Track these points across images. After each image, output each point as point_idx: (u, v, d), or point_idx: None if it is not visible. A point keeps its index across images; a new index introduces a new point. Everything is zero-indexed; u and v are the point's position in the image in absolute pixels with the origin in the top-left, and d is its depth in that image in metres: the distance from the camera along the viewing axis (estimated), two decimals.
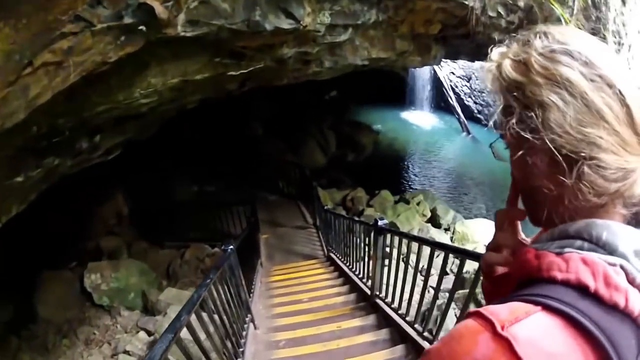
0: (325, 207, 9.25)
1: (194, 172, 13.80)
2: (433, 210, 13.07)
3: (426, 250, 4.29)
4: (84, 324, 8.36)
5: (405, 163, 18.10)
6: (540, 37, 0.85)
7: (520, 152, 0.87)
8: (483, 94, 19.26)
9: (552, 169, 0.82)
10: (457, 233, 12.12)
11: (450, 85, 20.24)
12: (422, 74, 21.12)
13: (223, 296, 4.05)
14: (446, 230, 12.50)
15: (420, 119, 21.08)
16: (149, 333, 7.78)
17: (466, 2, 6.20)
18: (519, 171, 0.92)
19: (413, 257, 6.82)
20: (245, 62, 5.00)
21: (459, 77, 20.21)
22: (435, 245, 4.35)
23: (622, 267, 0.75)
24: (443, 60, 10.69)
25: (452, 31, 7.78)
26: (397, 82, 21.09)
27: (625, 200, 0.81)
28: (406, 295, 5.02)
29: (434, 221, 12.80)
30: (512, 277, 0.88)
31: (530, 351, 0.66)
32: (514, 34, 0.91)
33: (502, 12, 6.67)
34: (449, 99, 20.04)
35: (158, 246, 10.90)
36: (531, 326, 0.69)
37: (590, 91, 0.78)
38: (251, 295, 6.40)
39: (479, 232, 11.96)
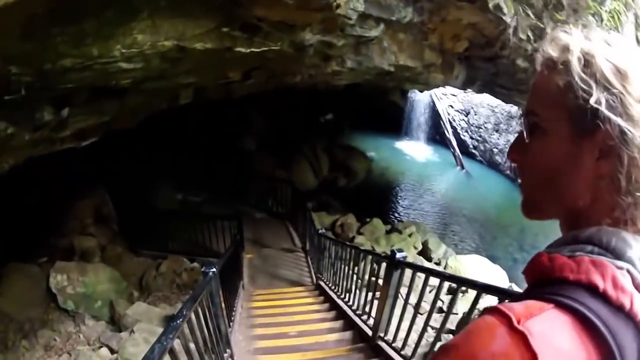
0: (320, 231, 8.28)
1: (180, 179, 12.81)
2: (425, 243, 12.31)
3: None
4: (46, 326, 7.48)
5: (397, 193, 17.25)
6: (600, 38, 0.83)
7: (565, 142, 0.83)
8: (480, 130, 18.59)
9: (596, 164, 0.81)
10: (450, 268, 11.27)
11: (448, 119, 19.49)
12: (420, 105, 20.39)
13: (198, 334, 3.06)
14: (437, 264, 11.66)
15: (415, 149, 20.31)
16: (112, 351, 6.86)
17: (504, 18, 5.59)
18: (544, 158, 0.87)
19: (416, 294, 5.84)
20: (259, 38, 4.07)
21: (457, 110, 19.50)
22: (478, 287, 3.56)
23: (628, 271, 0.75)
24: (455, 87, 9.93)
25: (478, 52, 7.15)
26: (394, 110, 20.35)
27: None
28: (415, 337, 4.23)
29: (425, 254, 12.01)
30: (525, 281, 0.85)
31: (543, 346, 0.66)
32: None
33: (531, 36, 6.21)
34: (446, 131, 19.29)
35: (133, 253, 9.91)
36: (544, 322, 0.69)
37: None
38: (231, 323, 5.39)
39: (471, 268, 11.20)
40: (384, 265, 4.90)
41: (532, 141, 0.88)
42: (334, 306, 6.81)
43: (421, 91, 14.47)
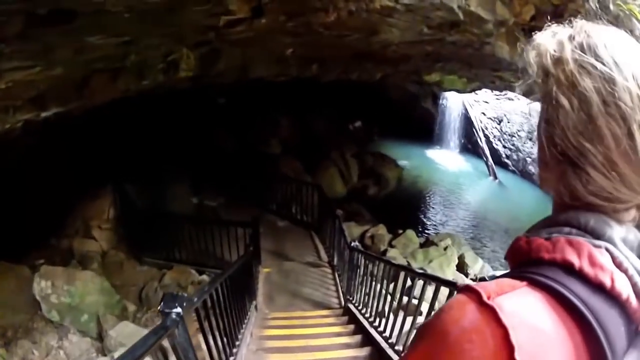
0: (353, 244, 6.49)
1: (198, 182, 11.21)
2: (460, 257, 10.58)
3: None
4: (28, 335, 6.26)
5: (429, 203, 15.37)
6: (583, 39, 0.76)
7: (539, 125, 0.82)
8: (513, 138, 16.58)
9: (550, 155, 0.78)
10: None
11: (481, 127, 17.53)
12: (452, 112, 18.46)
13: None
14: (473, 280, 9.73)
15: (446, 158, 18.34)
16: None
17: None
18: (537, 137, 0.85)
19: None
20: None
21: (489, 118, 17.51)
22: None
23: (607, 249, 0.70)
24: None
25: (543, 22, 5.42)
26: (425, 117, 18.50)
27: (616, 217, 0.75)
28: None
29: (462, 270, 10.41)
30: (509, 266, 0.82)
31: (515, 321, 0.62)
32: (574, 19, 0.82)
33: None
34: (478, 140, 17.29)
35: (137, 261, 8.40)
36: (516, 299, 0.66)
37: (599, 112, 0.71)
38: None
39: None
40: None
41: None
42: (367, 339, 5.02)
43: (460, 91, 12.59)
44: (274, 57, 6.23)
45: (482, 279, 0.77)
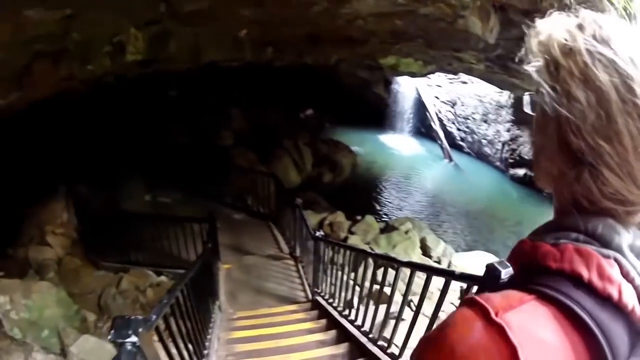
0: (318, 234, 6.13)
1: (150, 178, 10.53)
2: (422, 241, 10.35)
3: None
4: None
5: (385, 188, 15.16)
6: (595, 30, 0.71)
7: (539, 115, 0.79)
8: (468, 121, 16.65)
9: (559, 154, 0.74)
10: (455, 267, 9.50)
11: (434, 111, 17.50)
12: (405, 96, 18.35)
13: None
14: (437, 263, 9.76)
15: (400, 143, 18.20)
16: None
17: None
18: (534, 134, 0.82)
19: None
20: None
21: (443, 102, 17.52)
22: None
23: (616, 260, 0.67)
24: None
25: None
26: (377, 103, 18.30)
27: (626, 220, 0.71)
28: None
29: (425, 253, 10.13)
30: (512, 268, 0.78)
31: (523, 338, 0.60)
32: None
33: None
34: (432, 123, 17.25)
35: (93, 265, 7.74)
36: (524, 314, 0.63)
37: (617, 109, 0.67)
38: None
39: (477, 266, 9.29)
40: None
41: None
42: (343, 334, 4.71)
43: (415, 75, 12.44)
44: (228, 40, 5.77)
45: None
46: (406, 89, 18.08)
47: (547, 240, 0.71)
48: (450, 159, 16.65)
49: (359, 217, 11.28)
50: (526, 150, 14.33)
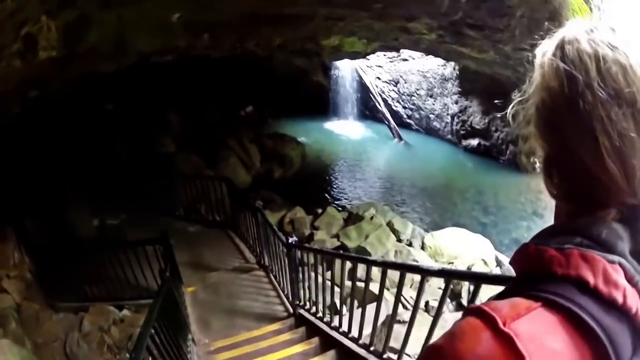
0: (291, 241, 5.25)
1: (96, 200, 9.23)
2: (389, 225, 9.74)
3: None
4: None
5: (339, 176, 14.42)
6: (608, 39, 0.72)
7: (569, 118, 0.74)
8: (413, 97, 16.15)
9: (586, 154, 0.72)
10: (429, 248, 9.07)
11: (378, 91, 16.87)
12: (346, 81, 17.61)
13: None
14: (409, 245, 9.25)
15: (347, 128, 17.49)
16: None
17: None
18: (541, 134, 0.82)
19: None
20: None
21: (385, 81, 16.91)
22: None
23: (620, 264, 0.67)
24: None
25: None
26: (318, 91, 17.46)
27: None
28: None
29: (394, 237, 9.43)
30: (514, 271, 0.79)
31: (532, 347, 0.60)
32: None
33: None
34: (377, 104, 16.62)
35: (52, 308, 6.62)
36: (532, 322, 0.63)
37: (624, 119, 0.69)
38: None
39: (453, 244, 9.05)
40: None
41: None
42: (343, 354, 3.91)
43: (357, 56, 11.78)
44: (158, 25, 4.77)
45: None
46: (346, 73, 17.35)
47: (552, 245, 0.70)
48: (400, 138, 16.09)
49: (319, 210, 10.53)
50: (477, 120, 13.95)
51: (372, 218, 9.84)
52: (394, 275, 3.85)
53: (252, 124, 16.11)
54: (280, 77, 16.45)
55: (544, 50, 0.78)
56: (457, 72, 14.12)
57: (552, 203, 0.85)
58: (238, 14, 5.55)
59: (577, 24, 0.77)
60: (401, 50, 14.48)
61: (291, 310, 5.58)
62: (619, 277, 0.66)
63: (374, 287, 4.59)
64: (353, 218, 10.01)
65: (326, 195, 12.94)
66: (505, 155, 13.26)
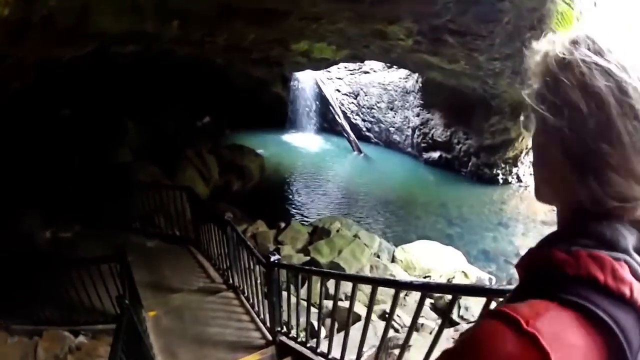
0: (275, 259, 4.44)
1: (48, 211, 8.10)
2: (356, 238, 9.00)
3: None
4: None
5: (299, 189, 13.68)
6: (589, 44, 0.75)
7: (540, 133, 0.81)
8: (373, 110, 15.67)
9: (563, 165, 0.75)
10: (400, 262, 8.59)
11: (337, 104, 16.29)
12: (305, 93, 16.93)
13: None
14: (377, 257, 8.75)
15: (305, 141, 16.79)
16: None
17: None
18: (534, 148, 0.85)
19: None
20: None
21: (345, 94, 16.38)
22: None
23: (625, 261, 0.70)
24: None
25: None
26: (276, 102, 16.72)
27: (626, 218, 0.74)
28: None
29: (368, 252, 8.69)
30: (519, 275, 0.81)
31: (555, 344, 0.62)
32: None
33: None
34: (337, 117, 16.00)
35: (5, 330, 5.47)
36: (551, 320, 0.65)
37: (616, 113, 0.70)
38: None
39: (425, 257, 8.54)
40: None
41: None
42: None
43: (318, 68, 11.22)
44: (127, 2, 3.92)
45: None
46: (306, 85, 16.68)
47: (560, 248, 0.73)
48: (360, 151, 15.52)
49: (282, 225, 9.78)
50: (439, 133, 13.59)
51: (338, 231, 9.18)
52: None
53: (209, 134, 15.24)
54: (239, 87, 15.67)
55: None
56: (420, 85, 13.73)
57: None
58: (215, 3, 4.77)
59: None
60: (365, 62, 14.05)
61: (269, 337, 4.76)
62: (625, 273, 0.68)
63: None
64: (319, 232, 9.33)
65: (287, 208, 12.20)
66: (467, 167, 12.95)
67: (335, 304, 3.78)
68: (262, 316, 5.05)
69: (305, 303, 4.14)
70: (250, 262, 5.21)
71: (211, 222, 6.66)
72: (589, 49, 0.73)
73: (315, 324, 4.46)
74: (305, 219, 11.41)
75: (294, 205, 12.52)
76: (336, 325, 3.98)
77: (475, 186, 12.49)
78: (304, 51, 8.95)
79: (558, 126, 0.73)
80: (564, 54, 0.75)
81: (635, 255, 0.71)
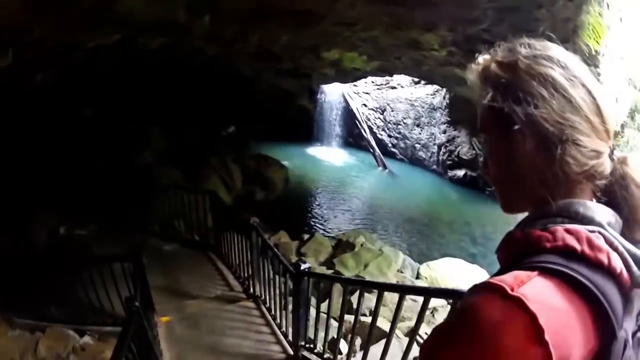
0: (303, 268, 4.06)
1: (65, 208, 7.83)
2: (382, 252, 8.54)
3: None
4: None
5: (322, 202, 13.20)
6: (524, 46, 0.84)
7: (502, 141, 0.83)
8: (399, 126, 15.24)
9: (540, 150, 0.79)
10: (425, 279, 8.16)
11: (363, 119, 15.89)
12: (331, 106, 16.55)
13: None
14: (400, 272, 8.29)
15: (330, 154, 16.36)
16: None
17: None
18: (499, 162, 0.88)
19: None
20: None
21: (371, 109, 15.98)
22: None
23: (600, 233, 0.74)
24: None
25: None
26: (303, 115, 16.36)
27: (595, 177, 0.81)
28: None
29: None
30: (499, 261, 0.84)
31: (539, 307, 0.63)
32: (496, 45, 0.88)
33: None
34: (363, 132, 15.59)
35: (7, 323, 5.15)
36: (535, 286, 0.67)
37: (569, 88, 0.79)
38: None
39: (450, 275, 8.09)
40: None
41: (488, 156, 0.90)
42: None
43: (345, 81, 10.92)
44: None
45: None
46: (332, 98, 16.33)
47: (537, 227, 0.76)
48: (385, 167, 15.03)
49: (305, 237, 9.39)
50: (464, 151, 13.07)
51: (362, 245, 8.75)
52: None
53: (233, 144, 14.91)
54: (265, 99, 15.41)
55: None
56: (447, 101, 13.27)
57: None
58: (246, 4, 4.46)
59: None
60: (393, 77, 13.69)
61: (291, 351, 4.32)
62: (601, 242, 0.71)
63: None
64: (343, 245, 8.90)
65: (310, 221, 11.73)
66: (491, 186, 12.38)
67: (375, 318, 3.39)
68: (283, 329, 4.63)
69: (332, 316, 3.70)
70: (277, 270, 4.82)
71: (234, 228, 6.30)
72: (528, 48, 0.82)
73: (342, 339, 4.01)
74: (328, 232, 10.94)
75: (316, 218, 12.06)
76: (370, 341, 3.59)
77: (498, 205, 11.95)
78: (334, 60, 8.62)
79: (528, 118, 0.77)
80: (505, 58, 0.82)
81: (610, 229, 0.74)
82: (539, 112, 0.76)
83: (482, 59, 0.86)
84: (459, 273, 7.99)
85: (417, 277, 8.23)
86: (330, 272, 7.67)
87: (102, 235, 7.46)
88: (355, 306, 4.90)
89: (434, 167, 14.31)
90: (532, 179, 0.80)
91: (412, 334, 3.17)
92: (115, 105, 11.36)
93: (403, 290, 3.63)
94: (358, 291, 4.25)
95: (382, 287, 3.65)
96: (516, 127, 0.78)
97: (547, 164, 0.78)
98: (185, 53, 7.24)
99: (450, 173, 13.63)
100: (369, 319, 5.30)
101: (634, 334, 0.72)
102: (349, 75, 10.70)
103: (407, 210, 12.36)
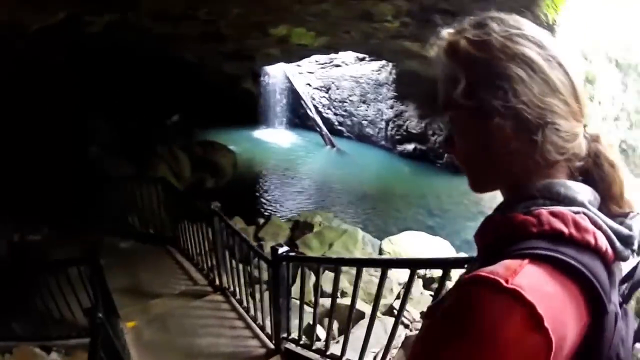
0: (283, 252, 3.72)
1: (16, 212, 6.99)
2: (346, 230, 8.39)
3: None
4: None
5: (273, 185, 12.86)
6: (496, 22, 0.77)
7: (476, 121, 0.77)
8: (345, 104, 15.00)
9: (519, 134, 0.75)
10: (388, 254, 7.92)
11: (308, 98, 15.54)
12: (275, 88, 16.04)
13: None
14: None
15: (277, 137, 15.92)
16: None
17: None
18: (471, 142, 0.81)
19: None
20: None
21: (316, 88, 15.63)
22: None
23: (584, 213, 0.72)
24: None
25: None
26: (247, 98, 15.77)
27: (573, 159, 0.78)
28: None
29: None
30: (477, 244, 0.82)
31: (536, 295, 0.62)
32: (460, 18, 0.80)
33: None
34: (308, 111, 15.24)
35: None
36: (528, 275, 0.65)
37: (547, 69, 0.75)
38: None
39: (413, 248, 7.91)
40: None
41: (455, 134, 0.84)
42: None
43: (289, 61, 10.55)
44: None
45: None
46: (276, 80, 15.83)
47: (519, 211, 0.73)
48: (333, 145, 14.81)
49: (261, 221, 9.10)
50: (413, 125, 13.03)
51: (319, 225, 8.54)
52: None
53: (179, 132, 14.18)
54: (209, 84, 14.75)
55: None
56: (394, 77, 13.16)
57: (494, 202, 0.82)
58: None
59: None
60: (338, 54, 13.42)
61: (271, 345, 4.00)
62: (586, 223, 0.69)
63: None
64: (301, 226, 8.67)
65: (263, 205, 11.42)
66: (442, 158, 12.44)
67: (354, 297, 3.13)
68: (259, 321, 4.29)
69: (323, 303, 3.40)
70: (247, 257, 4.45)
71: (191, 216, 5.85)
72: (500, 25, 0.75)
73: (335, 325, 3.74)
74: (283, 214, 10.64)
75: (270, 202, 11.74)
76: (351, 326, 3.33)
77: (452, 177, 11.92)
78: (282, 37, 8.22)
79: (507, 102, 0.72)
80: (476, 36, 0.76)
81: (592, 208, 0.73)
82: (518, 96, 0.72)
83: (447, 33, 0.80)
84: (423, 246, 7.92)
85: (380, 253, 8.11)
86: (292, 254, 7.41)
87: (57, 238, 6.78)
88: (326, 289, 4.69)
89: (382, 142, 14.23)
90: (509, 161, 0.77)
91: (399, 312, 2.92)
92: (56, 96, 10.48)
93: (387, 264, 3.39)
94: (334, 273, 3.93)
95: (371, 263, 3.35)
96: (493, 110, 0.74)
97: (526, 149, 0.75)
98: (129, 38, 6.59)
99: (400, 147, 13.58)
100: (343, 300, 5.08)
101: (620, 305, 0.73)
102: (294, 55, 10.32)
103: (359, 187, 12.22)
